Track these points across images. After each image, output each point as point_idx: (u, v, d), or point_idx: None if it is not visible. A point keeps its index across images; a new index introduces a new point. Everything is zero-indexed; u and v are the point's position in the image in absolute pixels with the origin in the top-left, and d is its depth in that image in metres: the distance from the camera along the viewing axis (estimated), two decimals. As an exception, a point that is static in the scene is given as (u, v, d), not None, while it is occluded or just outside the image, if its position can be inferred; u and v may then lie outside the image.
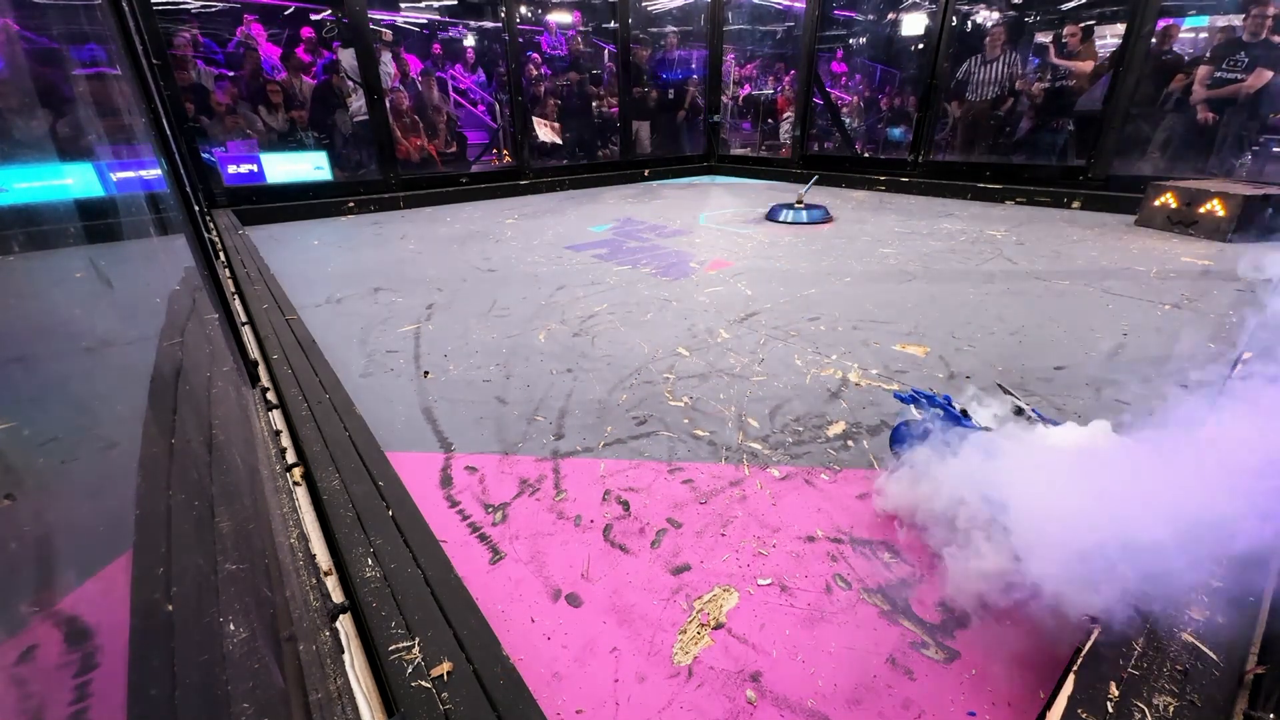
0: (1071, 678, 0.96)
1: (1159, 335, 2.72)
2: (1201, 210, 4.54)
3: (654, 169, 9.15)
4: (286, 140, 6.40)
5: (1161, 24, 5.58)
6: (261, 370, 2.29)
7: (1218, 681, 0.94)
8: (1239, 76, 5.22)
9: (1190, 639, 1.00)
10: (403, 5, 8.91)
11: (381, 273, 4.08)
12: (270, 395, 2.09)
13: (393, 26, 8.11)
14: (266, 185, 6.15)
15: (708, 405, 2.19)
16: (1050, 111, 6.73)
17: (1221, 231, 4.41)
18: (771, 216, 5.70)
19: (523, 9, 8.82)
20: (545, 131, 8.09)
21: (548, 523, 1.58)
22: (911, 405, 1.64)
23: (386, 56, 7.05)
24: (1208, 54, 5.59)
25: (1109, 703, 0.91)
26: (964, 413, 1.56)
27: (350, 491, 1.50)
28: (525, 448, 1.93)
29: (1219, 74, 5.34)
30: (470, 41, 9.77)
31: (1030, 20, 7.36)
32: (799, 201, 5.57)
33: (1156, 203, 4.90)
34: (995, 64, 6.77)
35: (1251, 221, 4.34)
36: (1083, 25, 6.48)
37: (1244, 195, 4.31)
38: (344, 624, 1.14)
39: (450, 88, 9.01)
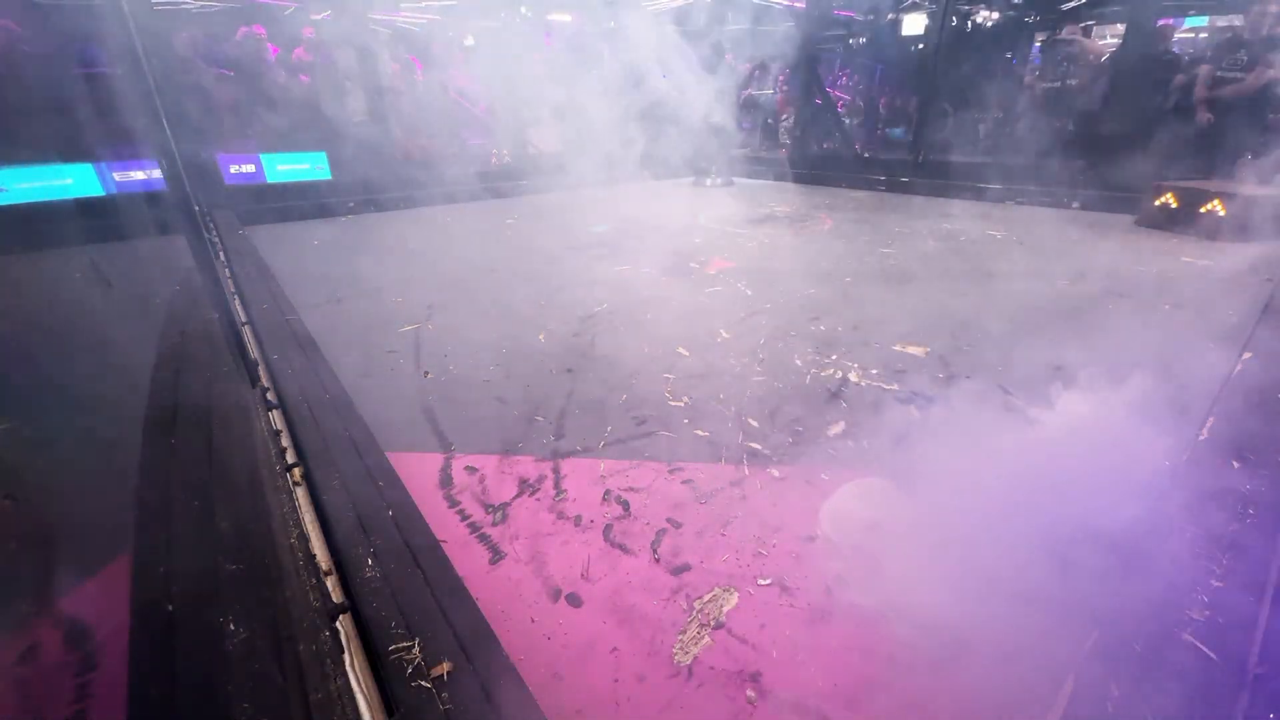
0: (1071, 678, 0.96)
1: (1158, 334, 2.72)
2: (1202, 210, 4.54)
3: (655, 169, 9.14)
4: (286, 140, 6.39)
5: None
6: (261, 370, 2.28)
7: (1218, 681, 0.94)
8: (1239, 76, 5.20)
9: (1190, 639, 1.00)
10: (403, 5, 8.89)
11: (382, 273, 4.08)
12: (270, 395, 2.09)
13: (392, 26, 8.09)
14: (267, 185, 6.15)
15: (708, 405, 2.19)
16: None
17: (1222, 231, 4.41)
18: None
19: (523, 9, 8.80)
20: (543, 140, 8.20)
21: (548, 523, 1.58)
22: None
23: (385, 56, 7.04)
24: (1208, 53, 5.56)
25: (1109, 703, 0.91)
26: None
27: (350, 491, 1.50)
28: (525, 448, 1.93)
29: (1219, 73, 5.32)
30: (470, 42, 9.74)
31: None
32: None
33: (1156, 203, 4.90)
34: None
35: (1252, 221, 4.32)
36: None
37: (1244, 195, 4.30)
38: (344, 624, 1.13)
39: (450, 88, 8.99)
